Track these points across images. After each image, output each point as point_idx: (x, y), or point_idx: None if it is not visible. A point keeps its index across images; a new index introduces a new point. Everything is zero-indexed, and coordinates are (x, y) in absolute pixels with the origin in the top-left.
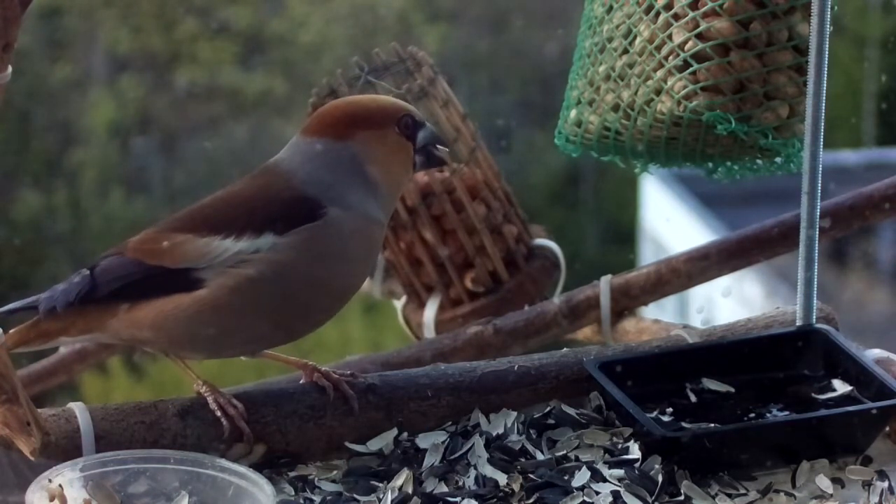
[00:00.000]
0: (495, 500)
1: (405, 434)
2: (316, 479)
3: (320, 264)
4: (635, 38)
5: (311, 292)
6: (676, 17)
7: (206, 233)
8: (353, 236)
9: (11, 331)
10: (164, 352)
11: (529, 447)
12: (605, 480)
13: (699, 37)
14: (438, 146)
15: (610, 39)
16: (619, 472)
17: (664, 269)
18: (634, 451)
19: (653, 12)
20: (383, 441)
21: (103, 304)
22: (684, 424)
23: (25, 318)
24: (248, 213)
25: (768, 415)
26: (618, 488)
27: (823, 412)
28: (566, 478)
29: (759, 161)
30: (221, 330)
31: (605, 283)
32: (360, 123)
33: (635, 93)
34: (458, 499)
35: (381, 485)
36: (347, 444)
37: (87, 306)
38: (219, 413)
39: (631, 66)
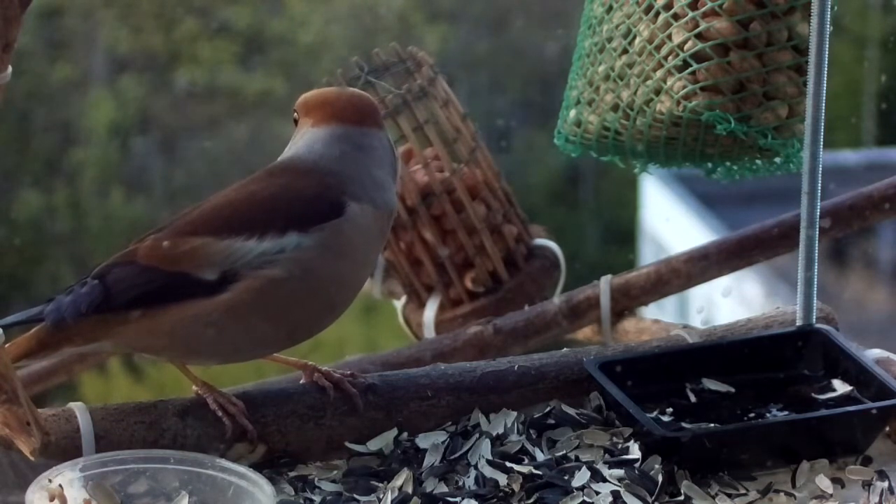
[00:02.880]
0: (495, 500)
1: (405, 434)
2: (316, 479)
3: (342, 260)
4: (635, 38)
5: (334, 289)
6: (676, 16)
7: (226, 235)
8: (370, 230)
9: (9, 343)
10: (174, 359)
11: (529, 447)
12: (605, 480)
13: (699, 37)
14: None
15: (609, 39)
16: (619, 472)
17: (664, 269)
18: (634, 451)
19: (652, 12)
20: (383, 441)
21: (114, 312)
22: (684, 424)
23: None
24: (269, 213)
25: (768, 415)
26: (618, 488)
27: (823, 412)
28: (566, 478)
29: (758, 161)
30: (244, 334)
31: (605, 283)
32: (379, 113)
33: (635, 93)
34: (458, 499)
35: (381, 485)
36: (347, 444)
37: (97, 315)
38: (220, 412)
39: (630, 65)
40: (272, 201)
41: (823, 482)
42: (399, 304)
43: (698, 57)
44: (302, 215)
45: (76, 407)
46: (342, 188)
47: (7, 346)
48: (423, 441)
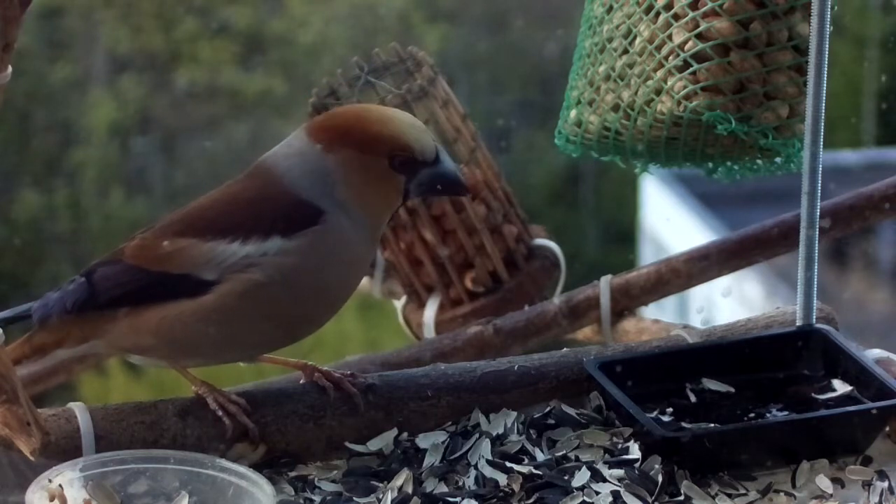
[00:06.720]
0: (495, 500)
1: (405, 434)
2: (316, 479)
3: (324, 268)
4: (635, 38)
5: (315, 296)
6: (676, 17)
7: (210, 237)
8: (352, 240)
9: (8, 348)
10: (162, 359)
11: (529, 447)
12: (605, 480)
13: (699, 37)
14: (444, 185)
15: (610, 39)
16: (619, 472)
17: (664, 269)
18: (634, 451)
19: (653, 12)
20: (383, 441)
21: (101, 310)
22: (684, 424)
23: (23, 329)
24: (252, 216)
25: (768, 415)
26: (618, 488)
27: (823, 412)
28: (566, 478)
29: (759, 161)
30: (227, 335)
31: (605, 283)
32: (349, 141)
33: (635, 93)
34: (458, 499)
35: (381, 485)
36: (347, 444)
37: (84, 314)
38: (220, 412)
39: (631, 66)
40: (255, 204)
41: (823, 482)
42: (399, 304)
43: (699, 57)
44: (285, 220)
45: (76, 407)
46: (317, 197)
47: (6, 349)
48: (423, 441)
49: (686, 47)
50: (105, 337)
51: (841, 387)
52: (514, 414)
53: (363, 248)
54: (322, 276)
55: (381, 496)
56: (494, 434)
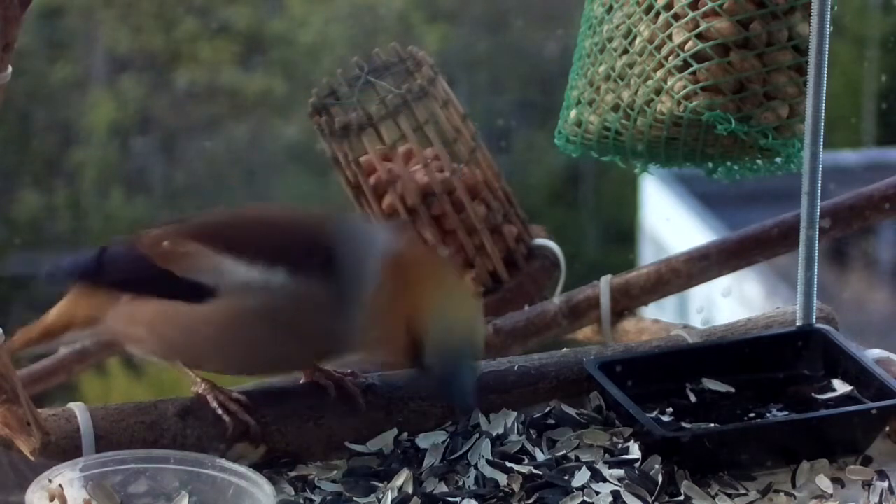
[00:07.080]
0: (495, 500)
1: (405, 434)
2: (316, 479)
3: (318, 312)
4: (635, 38)
5: (302, 340)
6: (676, 17)
7: (221, 249)
8: (353, 296)
9: (16, 335)
10: (150, 354)
11: (529, 447)
12: (605, 480)
13: (699, 37)
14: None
15: (610, 39)
16: (619, 472)
17: (664, 269)
18: (634, 451)
19: (653, 12)
20: (383, 441)
21: (108, 289)
22: (684, 424)
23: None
24: (268, 243)
25: (768, 415)
26: (618, 488)
27: (823, 412)
28: (566, 478)
29: (759, 161)
30: (212, 349)
31: (605, 283)
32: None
33: (635, 93)
34: (458, 499)
35: (381, 485)
36: (347, 444)
37: (90, 288)
38: (220, 411)
39: (631, 66)
40: (274, 232)
41: (823, 482)
42: None
43: (699, 57)
44: (296, 256)
45: (76, 407)
46: (335, 242)
47: (14, 337)
48: (423, 441)
49: (686, 47)
50: (107, 320)
51: (841, 387)
52: (514, 414)
53: (346, 327)
54: (316, 319)
55: (381, 496)
56: (494, 434)
